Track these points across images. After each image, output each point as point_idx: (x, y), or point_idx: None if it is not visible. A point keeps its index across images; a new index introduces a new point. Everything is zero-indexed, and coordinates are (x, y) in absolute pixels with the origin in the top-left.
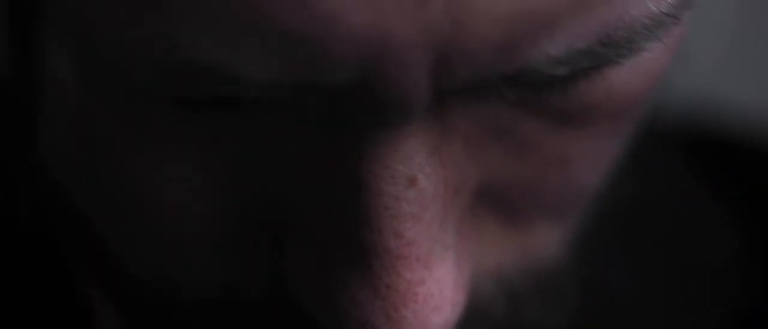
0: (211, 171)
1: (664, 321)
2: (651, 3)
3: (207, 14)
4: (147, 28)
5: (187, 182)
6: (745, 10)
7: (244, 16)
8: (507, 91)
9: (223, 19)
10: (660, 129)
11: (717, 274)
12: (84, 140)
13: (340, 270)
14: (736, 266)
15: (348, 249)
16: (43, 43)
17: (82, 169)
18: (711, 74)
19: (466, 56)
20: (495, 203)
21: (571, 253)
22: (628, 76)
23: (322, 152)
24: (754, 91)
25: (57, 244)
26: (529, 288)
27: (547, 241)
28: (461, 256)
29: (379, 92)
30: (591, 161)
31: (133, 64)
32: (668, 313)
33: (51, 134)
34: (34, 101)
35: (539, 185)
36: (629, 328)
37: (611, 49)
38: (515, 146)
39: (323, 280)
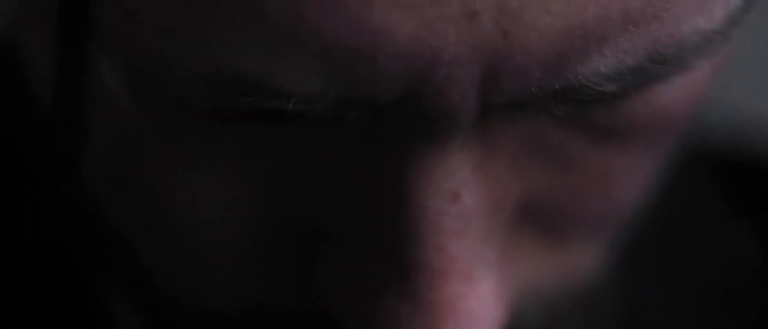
0: (249, 185)
1: None
2: (701, 21)
3: (253, 27)
4: (194, 41)
5: (224, 196)
6: None
7: (290, 30)
8: (554, 107)
9: (269, 33)
10: (693, 147)
11: (748, 294)
12: (127, 154)
13: (381, 284)
14: (762, 284)
15: (389, 264)
16: (92, 60)
17: (122, 183)
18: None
19: (514, 71)
20: (536, 219)
21: (610, 271)
22: (675, 94)
23: (364, 167)
24: None
25: (83, 256)
26: (568, 306)
27: (586, 259)
28: (503, 273)
29: (426, 107)
30: (632, 178)
31: (179, 77)
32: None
33: (95, 149)
34: (80, 116)
35: (581, 202)
36: None
37: (660, 66)
38: (559, 163)
39: (362, 295)
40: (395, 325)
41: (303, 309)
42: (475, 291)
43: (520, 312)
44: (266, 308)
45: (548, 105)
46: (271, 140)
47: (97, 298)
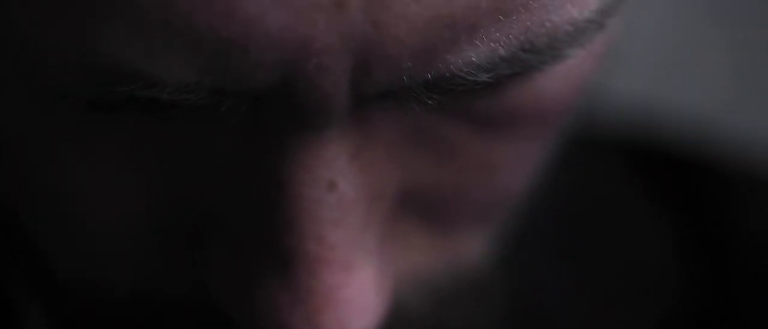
0: (133, 174)
1: (592, 323)
2: (573, 10)
3: (126, 16)
4: (62, 27)
5: (105, 183)
6: (684, 16)
7: (162, 18)
8: (427, 97)
9: (142, 21)
10: (595, 135)
11: (647, 278)
12: (11, 139)
13: (261, 273)
14: (667, 271)
15: (268, 253)
16: None
17: (3, 168)
18: (650, 80)
19: (385, 60)
20: (419, 208)
21: (499, 257)
22: (552, 83)
23: (243, 155)
24: (693, 97)
25: None
26: (454, 293)
27: (472, 246)
28: (384, 261)
29: (299, 96)
30: (515, 167)
31: (48, 64)
32: (596, 316)
33: None
34: None
35: (463, 190)
36: None
37: (533, 55)
38: (439, 151)
39: (243, 283)
40: (275, 314)
41: (193, 297)
42: (355, 280)
43: (405, 300)
44: (159, 295)
45: (421, 95)
46: (151, 130)
47: (1, 289)
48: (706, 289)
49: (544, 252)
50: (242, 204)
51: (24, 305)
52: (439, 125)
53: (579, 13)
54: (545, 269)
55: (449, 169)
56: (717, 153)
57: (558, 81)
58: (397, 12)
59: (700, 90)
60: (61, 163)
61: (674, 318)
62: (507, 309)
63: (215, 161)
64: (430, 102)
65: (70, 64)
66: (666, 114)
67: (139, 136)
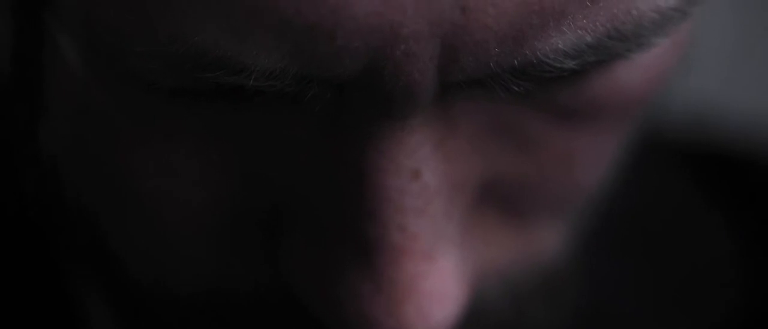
0: (211, 164)
1: (660, 322)
2: None
3: (212, 3)
4: (155, 16)
5: (186, 175)
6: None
7: (248, 2)
8: (513, 84)
9: (230, 7)
10: (661, 135)
11: (710, 278)
12: (87, 131)
13: (342, 263)
14: (729, 270)
15: (350, 243)
16: (51, 32)
17: (83, 160)
18: (713, 83)
19: (472, 47)
20: (498, 200)
21: (573, 253)
22: (635, 72)
23: (326, 145)
24: (754, 100)
25: (51, 245)
26: (531, 286)
27: (548, 239)
28: (465, 252)
29: (386, 83)
30: (593, 159)
31: (135, 52)
32: (660, 314)
33: (55, 126)
34: (39, 92)
35: (542, 182)
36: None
37: (619, 43)
38: (520, 143)
39: (324, 274)
40: (357, 304)
41: (267, 289)
42: (437, 270)
43: (483, 292)
44: (230, 289)
45: (507, 82)
46: (232, 118)
47: (68, 289)
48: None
49: (611, 248)
50: (323, 194)
51: (89, 306)
52: (520, 116)
53: (665, 1)
54: (611, 266)
55: (528, 161)
56: None
57: (639, 71)
58: None
59: (761, 90)
60: (138, 156)
61: (736, 319)
62: (577, 305)
63: (297, 150)
64: (515, 89)
65: (156, 51)
66: (727, 114)
67: (219, 126)
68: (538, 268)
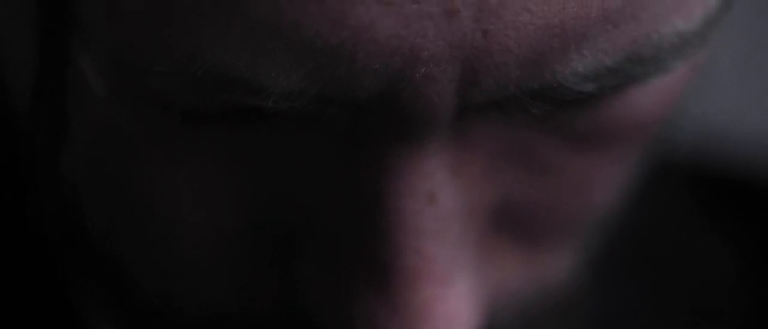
0: (228, 185)
1: None
2: (679, 21)
3: (234, 22)
4: (175, 36)
5: (203, 195)
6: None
7: (271, 24)
8: (532, 107)
9: (250, 27)
10: (670, 157)
11: (718, 301)
12: (107, 152)
13: (357, 285)
14: (739, 293)
15: (365, 265)
16: (74, 54)
17: (102, 182)
18: (719, 104)
19: (493, 70)
20: (511, 224)
21: (583, 275)
22: (651, 97)
23: (343, 167)
24: (761, 123)
25: (59, 262)
26: (543, 311)
27: (560, 262)
28: (479, 276)
29: (404, 105)
30: (607, 184)
31: (159, 73)
32: None
33: (75, 148)
34: (61, 111)
35: (555, 206)
36: None
37: (639, 66)
38: (534, 167)
39: (339, 295)
40: (371, 327)
41: (281, 311)
42: (452, 294)
43: (496, 316)
44: (244, 309)
45: (526, 105)
46: (250, 140)
47: (73, 307)
48: None
49: (621, 271)
50: (339, 215)
51: (96, 324)
52: (535, 141)
53: (684, 25)
54: (621, 288)
55: (542, 185)
56: None
57: (655, 96)
58: (507, 21)
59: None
60: (156, 177)
61: None
62: (588, 328)
63: (313, 171)
64: (534, 112)
65: (176, 71)
66: (734, 136)
67: (237, 147)
68: (549, 291)
